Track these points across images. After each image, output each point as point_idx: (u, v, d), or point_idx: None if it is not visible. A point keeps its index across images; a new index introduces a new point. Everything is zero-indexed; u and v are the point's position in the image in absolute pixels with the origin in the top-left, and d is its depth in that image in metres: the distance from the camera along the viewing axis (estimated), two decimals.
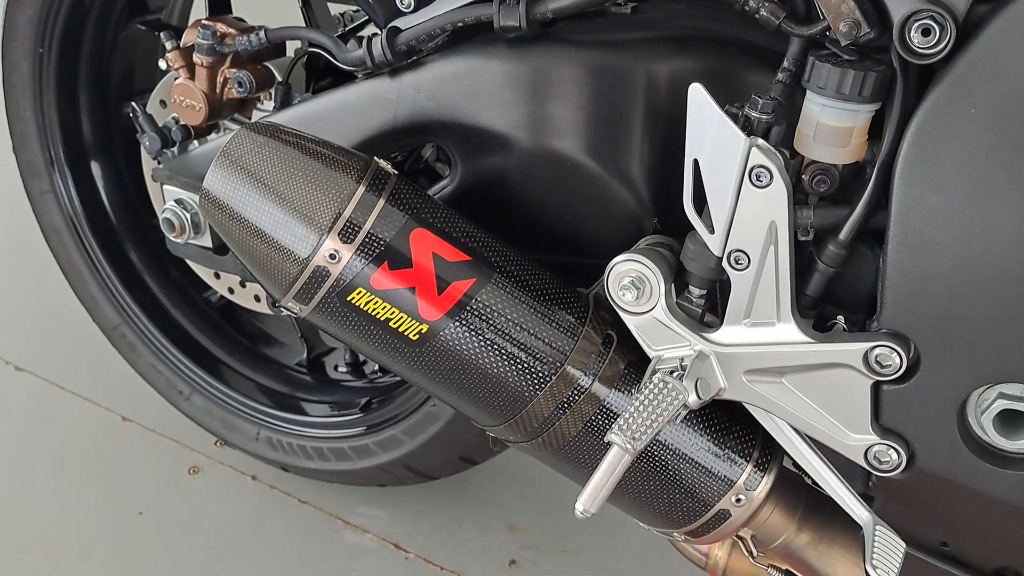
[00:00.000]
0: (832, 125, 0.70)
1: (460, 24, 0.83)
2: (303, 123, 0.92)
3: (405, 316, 0.78)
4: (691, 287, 0.79)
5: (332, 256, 0.77)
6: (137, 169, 1.36)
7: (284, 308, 0.82)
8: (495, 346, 0.79)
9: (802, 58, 0.73)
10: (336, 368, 1.40)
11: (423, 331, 0.79)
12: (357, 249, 0.77)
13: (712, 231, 0.74)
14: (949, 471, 0.72)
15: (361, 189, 0.77)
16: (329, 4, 1.15)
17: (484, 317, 0.79)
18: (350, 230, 0.76)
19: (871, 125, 0.72)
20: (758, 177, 0.70)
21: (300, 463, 1.33)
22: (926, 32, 0.65)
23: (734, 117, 0.71)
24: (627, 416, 0.72)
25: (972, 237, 0.66)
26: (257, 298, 1.26)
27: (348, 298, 0.78)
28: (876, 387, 0.73)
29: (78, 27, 1.24)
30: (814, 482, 0.83)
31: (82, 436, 1.50)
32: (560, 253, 0.91)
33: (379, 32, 0.89)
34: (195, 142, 1.11)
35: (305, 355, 1.40)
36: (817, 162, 0.73)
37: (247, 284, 1.24)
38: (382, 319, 0.79)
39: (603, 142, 0.82)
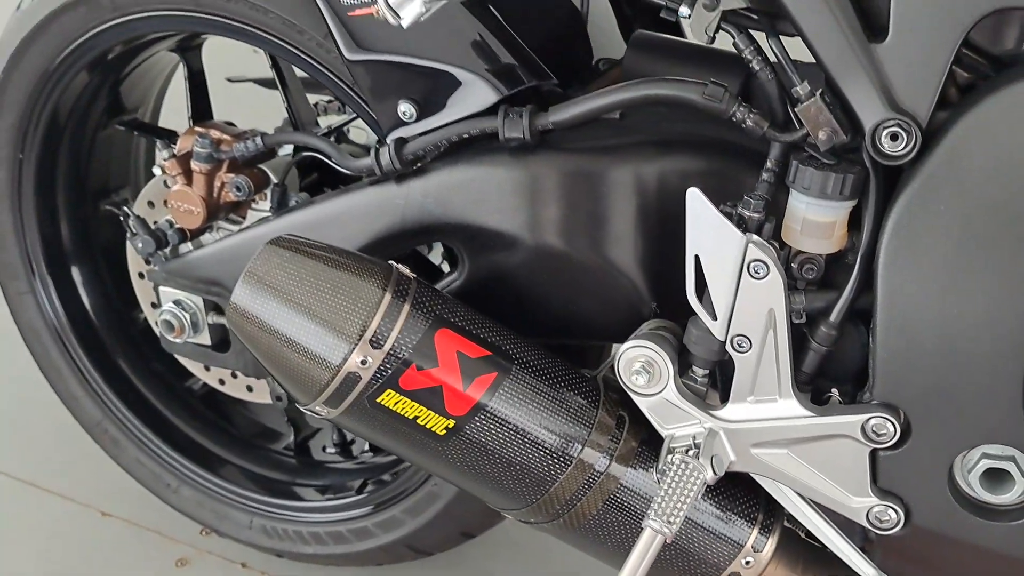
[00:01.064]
0: (817, 221, 0.81)
1: (465, 136, 0.92)
2: (313, 228, 0.99)
3: (432, 413, 0.86)
4: (695, 368, 0.88)
5: (363, 362, 0.84)
6: (116, 266, 1.40)
7: (310, 411, 0.89)
8: (518, 435, 0.87)
9: (784, 159, 0.83)
10: (324, 449, 1.45)
11: (449, 426, 0.86)
12: (387, 355, 0.84)
13: (715, 318, 0.83)
14: (943, 526, 0.82)
15: (387, 297, 0.85)
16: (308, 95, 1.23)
17: (507, 408, 0.86)
18: (379, 337, 0.84)
19: (850, 216, 0.82)
20: (755, 270, 0.80)
21: (296, 549, 1.38)
22: (894, 137, 0.76)
23: (728, 216, 0.81)
24: (659, 501, 0.80)
25: (950, 318, 0.76)
26: (250, 388, 1.31)
27: (378, 400, 0.85)
28: (873, 453, 0.82)
29: (58, 132, 1.29)
30: (808, 535, 0.92)
31: (62, 534, 1.52)
32: (563, 337, 0.99)
33: (384, 142, 0.97)
34: (189, 244, 1.17)
35: (292, 439, 1.45)
36: (804, 252, 0.83)
37: (238, 375, 1.29)
38: (410, 417, 0.86)
39: (603, 238, 0.91)
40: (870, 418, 0.81)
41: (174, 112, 1.44)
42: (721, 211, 0.80)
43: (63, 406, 1.44)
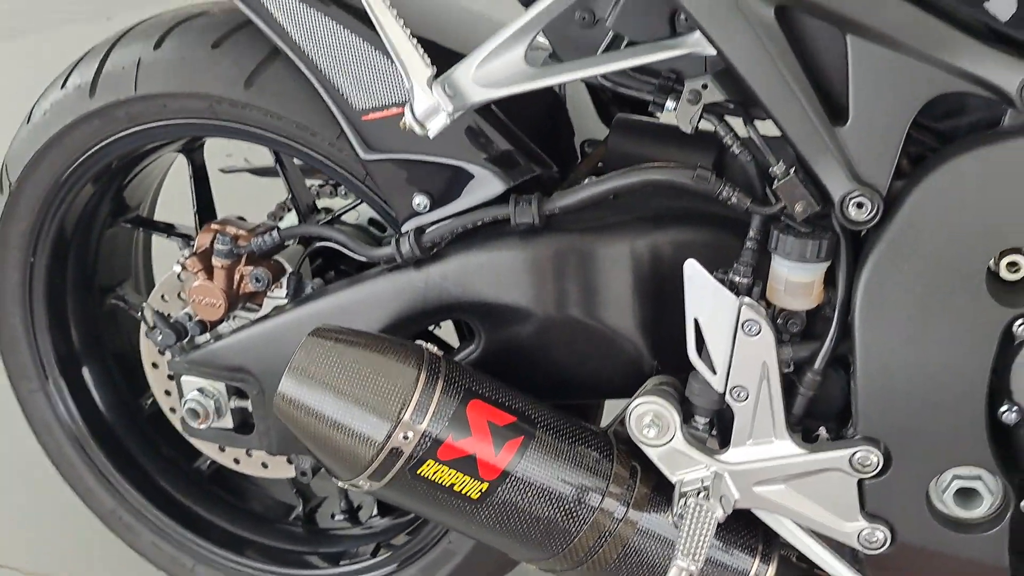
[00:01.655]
0: (798, 281, 0.93)
1: (480, 223, 1.03)
2: (339, 314, 1.08)
3: (468, 478, 0.95)
4: (697, 417, 0.99)
5: (404, 438, 0.93)
6: (123, 357, 1.47)
7: (353, 486, 0.98)
8: (544, 492, 0.97)
9: (764, 228, 0.95)
10: (332, 517, 1.52)
11: (483, 489, 0.96)
12: (425, 430, 0.94)
13: (715, 373, 0.95)
14: (925, 542, 0.94)
15: (422, 376, 0.95)
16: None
17: (534, 469, 0.97)
18: (418, 414, 0.93)
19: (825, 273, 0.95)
20: (749, 329, 0.92)
21: None
22: (859, 206, 0.89)
23: (722, 282, 0.93)
24: (683, 541, 0.91)
25: (918, 360, 0.89)
26: (265, 465, 1.38)
27: (418, 471, 0.95)
28: (860, 482, 0.94)
29: (67, 235, 1.36)
30: (801, 558, 1.03)
31: None
32: (572, 397, 1.10)
33: (400, 231, 1.08)
34: (207, 334, 1.25)
35: (301, 509, 1.52)
36: (788, 309, 0.95)
37: (252, 453, 1.37)
38: (447, 485, 0.95)
39: (606, 307, 1.03)
40: (856, 452, 0.93)
41: (163, 205, 1.53)
42: (715, 278, 0.93)
43: (76, 496, 1.50)
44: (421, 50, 0.93)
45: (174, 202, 1.54)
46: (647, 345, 1.05)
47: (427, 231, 1.06)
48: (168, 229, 1.45)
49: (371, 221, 1.33)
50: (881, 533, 0.95)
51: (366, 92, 1.07)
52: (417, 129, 0.93)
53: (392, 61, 1.03)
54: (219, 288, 1.20)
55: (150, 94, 1.18)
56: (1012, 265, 0.86)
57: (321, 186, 1.42)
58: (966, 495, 0.93)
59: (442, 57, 0.97)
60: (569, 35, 0.98)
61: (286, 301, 1.22)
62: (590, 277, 1.03)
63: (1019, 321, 0.86)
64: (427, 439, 0.94)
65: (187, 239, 1.39)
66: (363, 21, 1.07)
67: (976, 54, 0.83)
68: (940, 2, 0.83)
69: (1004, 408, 0.89)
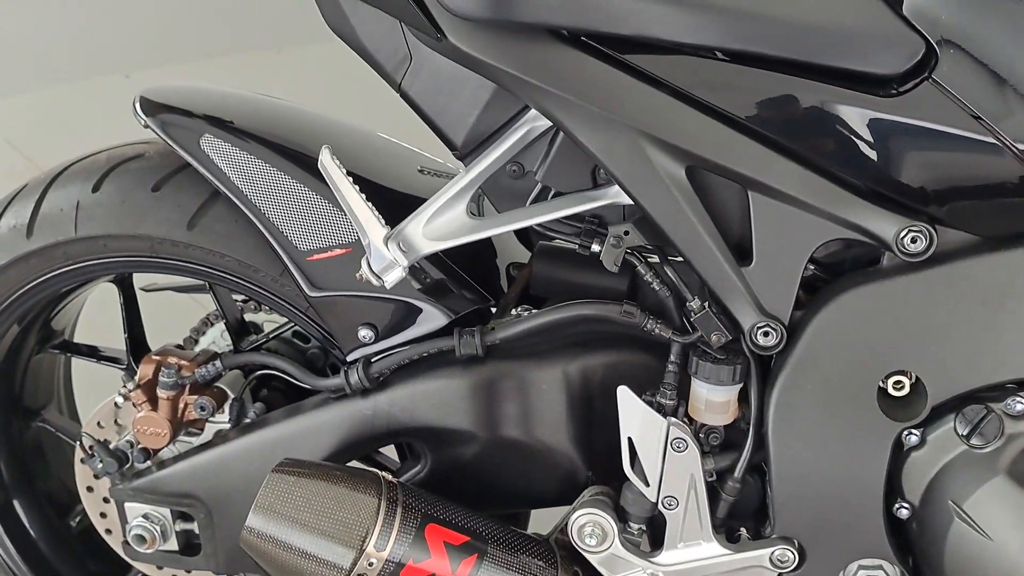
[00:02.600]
0: (717, 401, 1.05)
1: (425, 354, 1.12)
2: (289, 442, 1.15)
3: None
4: (631, 523, 1.10)
5: (369, 564, 1.00)
6: (50, 478, 1.48)
7: None
8: None
9: (683, 353, 1.07)
10: None
11: None
12: (388, 556, 1.01)
13: (648, 484, 1.06)
14: None
15: (383, 505, 1.02)
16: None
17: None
18: (380, 541, 1.01)
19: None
20: (677, 446, 1.03)
21: None
22: (766, 334, 1.02)
23: (650, 404, 1.05)
24: None
25: (825, 465, 1.02)
26: None
27: None
28: None
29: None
30: None
31: None
32: (512, 508, 1.19)
33: (350, 363, 1.15)
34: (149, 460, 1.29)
35: None
36: (708, 424, 1.07)
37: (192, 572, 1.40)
38: None
39: (544, 426, 1.13)
40: (774, 550, 1.05)
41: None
42: (644, 400, 1.04)
43: None
44: (375, 210, 1.02)
45: (91, 322, 1.57)
46: (582, 458, 1.15)
47: (375, 363, 1.14)
48: (93, 353, 1.47)
49: (296, 333, 1.40)
50: None
51: (310, 235, 1.15)
52: (374, 281, 1.02)
53: (333, 207, 1.13)
54: (164, 418, 1.24)
55: (90, 235, 1.23)
56: (898, 383, 1.00)
57: (245, 301, 1.48)
58: None
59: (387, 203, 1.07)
60: (501, 184, 1.08)
61: (228, 424, 1.28)
62: (528, 400, 1.13)
63: (906, 432, 1.00)
64: (390, 564, 1.01)
65: (115, 362, 1.42)
66: (302, 168, 1.16)
67: (858, 208, 0.97)
68: (827, 164, 0.97)
69: (897, 505, 1.03)
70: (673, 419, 1.04)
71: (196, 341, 1.42)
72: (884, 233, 0.97)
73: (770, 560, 1.05)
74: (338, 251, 1.15)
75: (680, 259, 1.05)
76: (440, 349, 1.11)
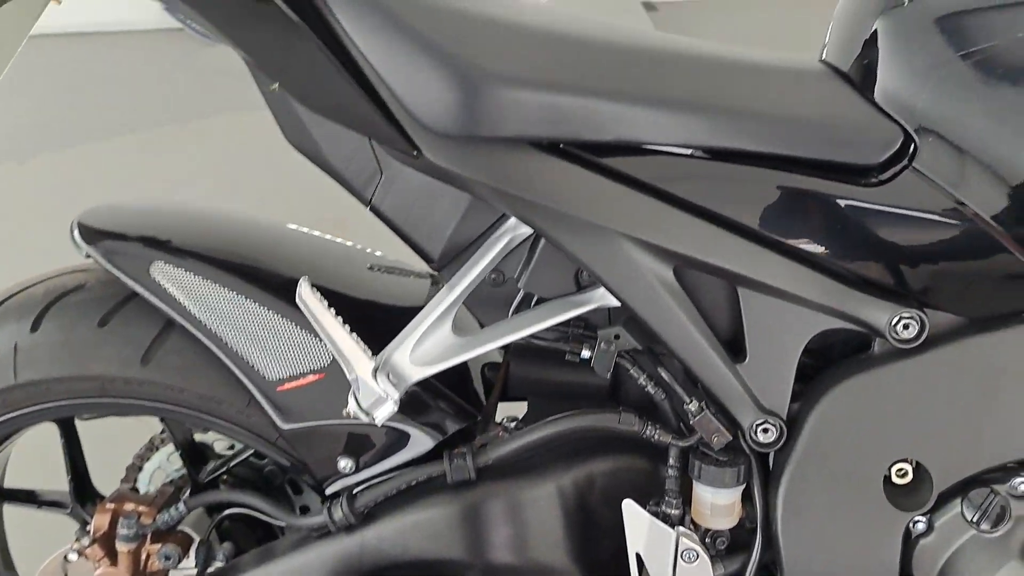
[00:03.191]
0: (722, 504, 1.03)
1: (414, 482, 1.06)
2: None
3: None
4: None
5: None
6: None
7: None
8: None
9: (683, 457, 1.05)
10: None
11: None
12: None
13: None
14: None
15: None
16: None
17: None
18: None
19: None
20: (687, 557, 1.00)
21: None
22: (765, 431, 1.00)
23: (655, 515, 1.01)
24: None
25: (837, 561, 1.00)
26: None
27: None
28: None
29: None
30: None
31: None
32: None
33: (330, 496, 1.08)
34: None
35: None
36: (714, 528, 1.04)
37: None
38: None
39: (545, 544, 1.08)
40: None
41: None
42: (649, 511, 1.01)
43: None
44: (360, 342, 0.97)
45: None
46: (583, 573, 1.10)
47: (360, 496, 1.07)
48: (31, 498, 1.36)
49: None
50: None
51: (278, 363, 1.09)
52: (364, 418, 0.96)
53: (301, 329, 1.07)
54: (125, 573, 1.15)
55: (32, 380, 1.14)
56: (900, 471, 1.00)
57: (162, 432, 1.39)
58: None
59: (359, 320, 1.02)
60: (481, 294, 1.05)
61: (195, 571, 1.19)
62: (524, 520, 1.08)
63: (913, 520, 1.00)
64: None
65: (57, 506, 1.31)
66: (264, 289, 1.10)
67: (848, 298, 0.97)
68: (814, 256, 0.97)
69: None
70: (682, 528, 1.01)
71: (140, 468, 1.32)
72: (876, 321, 0.97)
73: None
74: (311, 377, 1.09)
75: (673, 359, 1.04)
76: (430, 476, 1.06)
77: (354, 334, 0.97)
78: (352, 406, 0.96)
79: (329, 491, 1.11)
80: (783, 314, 0.99)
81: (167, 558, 1.16)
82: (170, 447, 1.30)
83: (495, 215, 1.03)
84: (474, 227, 1.03)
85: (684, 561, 1.01)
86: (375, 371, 0.96)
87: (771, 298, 0.98)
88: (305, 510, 1.23)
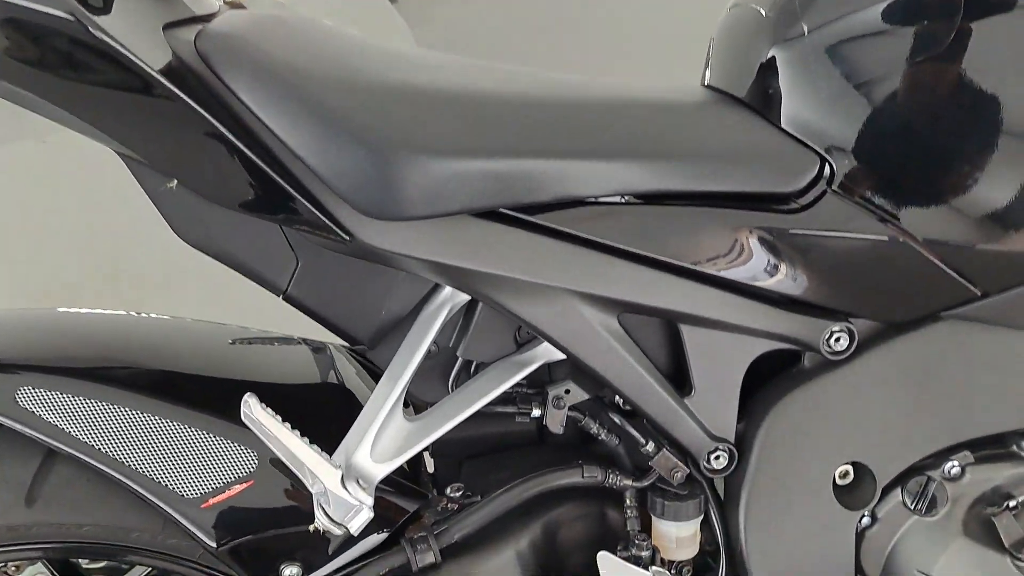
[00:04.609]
0: (686, 535, 1.05)
1: None
2: None
3: None
4: None
5: None
6: None
7: None
8: None
9: (640, 497, 1.05)
10: None
11: None
12: None
13: None
14: None
15: None
16: None
17: None
18: None
19: None
20: None
21: None
22: (717, 458, 1.03)
23: (631, 559, 1.01)
24: None
25: (802, 569, 1.04)
26: None
27: None
28: None
29: None
30: None
31: None
32: None
33: None
34: None
35: None
36: (678, 560, 1.06)
37: None
38: None
39: None
40: None
41: None
42: (623, 558, 1.01)
43: None
44: (322, 452, 0.88)
45: None
46: None
47: None
48: None
49: None
50: None
51: (196, 478, 0.98)
52: (336, 531, 0.88)
53: (215, 437, 0.97)
54: None
55: None
56: (843, 474, 1.05)
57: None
58: None
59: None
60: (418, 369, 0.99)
61: None
62: None
63: (862, 518, 1.06)
64: None
65: None
66: (164, 400, 0.98)
67: (783, 320, 1.00)
68: (748, 285, 0.99)
69: None
70: (655, 568, 1.02)
71: None
72: (811, 339, 1.01)
73: None
74: (238, 488, 0.99)
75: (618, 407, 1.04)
76: (392, 567, 1.00)
77: (314, 445, 0.88)
78: (321, 520, 0.88)
79: None
80: (724, 343, 1.00)
81: None
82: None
83: (427, 287, 0.97)
84: (405, 302, 0.97)
85: None
86: (343, 479, 0.88)
87: (711, 331, 1.00)
88: None
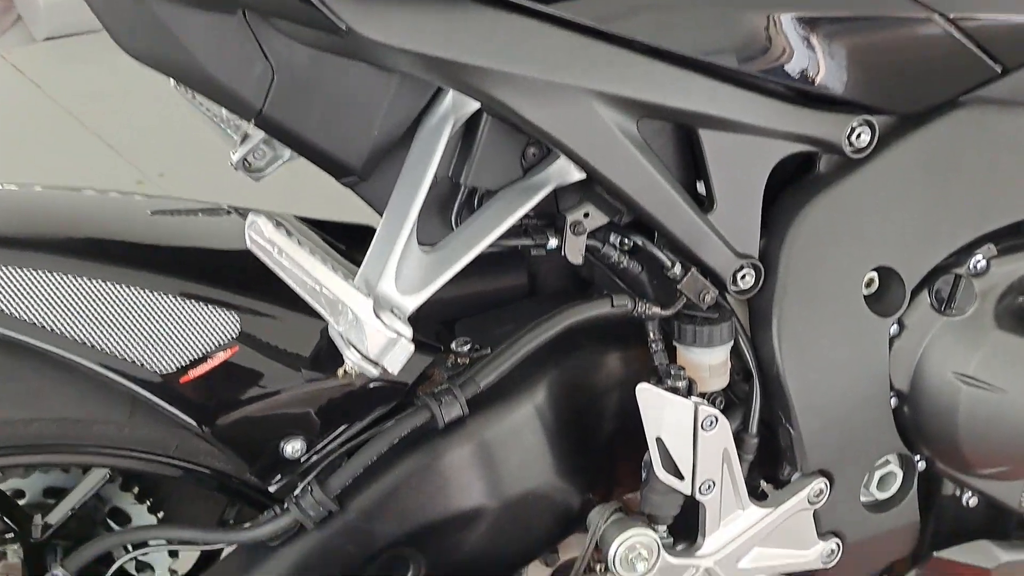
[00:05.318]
0: (719, 363, 0.97)
1: (396, 440, 0.87)
2: None
3: None
4: (657, 527, 0.98)
5: None
6: None
7: None
8: None
9: (664, 328, 0.97)
10: None
11: None
12: None
13: (682, 478, 0.94)
14: (864, 534, 1.06)
15: None
16: None
17: None
18: None
19: None
20: (708, 424, 0.93)
21: None
22: (743, 277, 0.95)
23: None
24: None
25: (838, 387, 0.99)
26: None
27: None
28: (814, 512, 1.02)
29: None
30: None
31: None
32: (518, 568, 1.01)
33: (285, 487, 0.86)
34: None
35: None
36: (711, 392, 0.98)
37: None
38: None
39: (540, 469, 0.95)
40: (810, 488, 1.00)
41: None
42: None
43: None
44: (351, 279, 0.75)
45: None
46: (579, 485, 0.99)
47: (334, 476, 0.86)
48: None
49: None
50: (835, 544, 1.05)
51: (173, 348, 0.83)
52: (372, 371, 0.75)
53: (188, 301, 0.83)
54: None
55: None
56: (871, 281, 1.00)
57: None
58: (883, 480, 1.07)
59: None
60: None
61: None
62: (513, 449, 0.94)
63: (892, 325, 1.01)
64: None
65: None
66: (123, 266, 0.83)
67: (805, 118, 0.93)
68: (769, 81, 0.91)
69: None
70: (695, 398, 0.94)
71: None
72: (832, 136, 0.94)
73: (807, 500, 1.01)
74: (221, 356, 0.84)
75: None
76: (413, 426, 0.87)
77: (339, 269, 0.75)
78: (352, 360, 0.74)
79: (275, 487, 0.88)
80: (744, 149, 0.92)
81: None
82: None
83: (425, 97, 0.84)
84: (401, 118, 0.84)
85: (704, 430, 0.93)
86: (376, 308, 0.75)
87: (733, 134, 0.91)
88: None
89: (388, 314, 0.76)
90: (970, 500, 1.11)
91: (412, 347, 0.76)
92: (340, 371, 0.77)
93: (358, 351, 0.75)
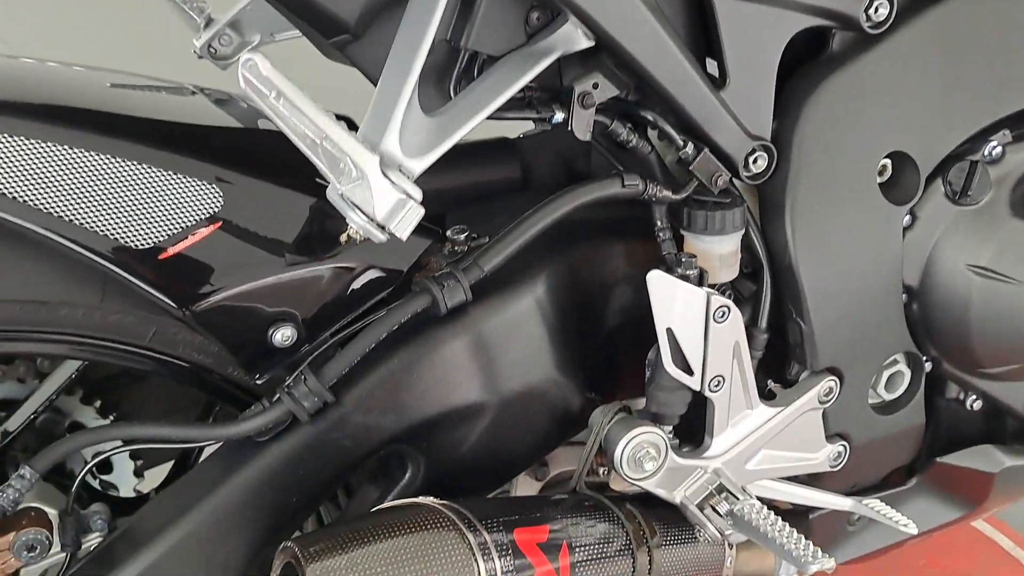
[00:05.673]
0: (730, 251, 0.92)
1: (395, 326, 0.80)
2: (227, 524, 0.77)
3: None
4: (663, 427, 0.93)
5: None
6: None
7: None
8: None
9: (671, 216, 0.91)
10: None
11: None
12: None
13: (691, 373, 0.90)
14: (871, 436, 1.02)
15: (469, 537, 0.75)
16: None
17: (579, 556, 0.84)
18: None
19: None
20: (720, 315, 0.88)
21: None
22: (755, 161, 0.90)
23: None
24: (789, 546, 0.85)
25: (850, 279, 0.94)
26: None
27: None
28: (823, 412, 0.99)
29: None
30: None
31: None
32: (518, 472, 0.96)
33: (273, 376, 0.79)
34: None
35: None
36: (720, 283, 0.93)
37: None
38: None
39: (542, 365, 0.90)
40: (820, 386, 0.96)
41: None
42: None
43: None
44: (355, 134, 0.68)
45: None
46: (581, 383, 0.94)
47: (330, 364, 0.79)
48: None
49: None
50: (842, 447, 1.01)
51: (151, 222, 0.76)
52: (378, 235, 0.68)
53: (166, 171, 0.76)
54: None
55: None
56: (884, 168, 0.96)
57: None
58: (891, 380, 1.03)
59: None
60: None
61: (63, 557, 0.83)
62: (514, 343, 0.88)
63: (904, 215, 0.97)
64: None
65: None
66: (96, 133, 0.75)
67: None
68: None
69: None
70: (710, 289, 0.89)
71: None
72: (852, 9, 0.89)
73: (817, 399, 0.97)
74: (203, 231, 0.77)
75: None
76: (416, 311, 0.81)
77: (341, 121, 0.68)
78: (357, 223, 0.68)
79: (263, 380, 0.82)
80: (759, 19, 0.87)
81: (31, 549, 0.79)
82: None
83: None
84: None
85: (716, 321, 0.89)
86: (383, 166, 0.68)
87: (748, 3, 0.86)
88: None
89: (396, 172, 0.69)
90: (974, 403, 1.08)
91: (422, 211, 0.70)
92: (343, 236, 0.71)
93: (364, 213, 0.68)
